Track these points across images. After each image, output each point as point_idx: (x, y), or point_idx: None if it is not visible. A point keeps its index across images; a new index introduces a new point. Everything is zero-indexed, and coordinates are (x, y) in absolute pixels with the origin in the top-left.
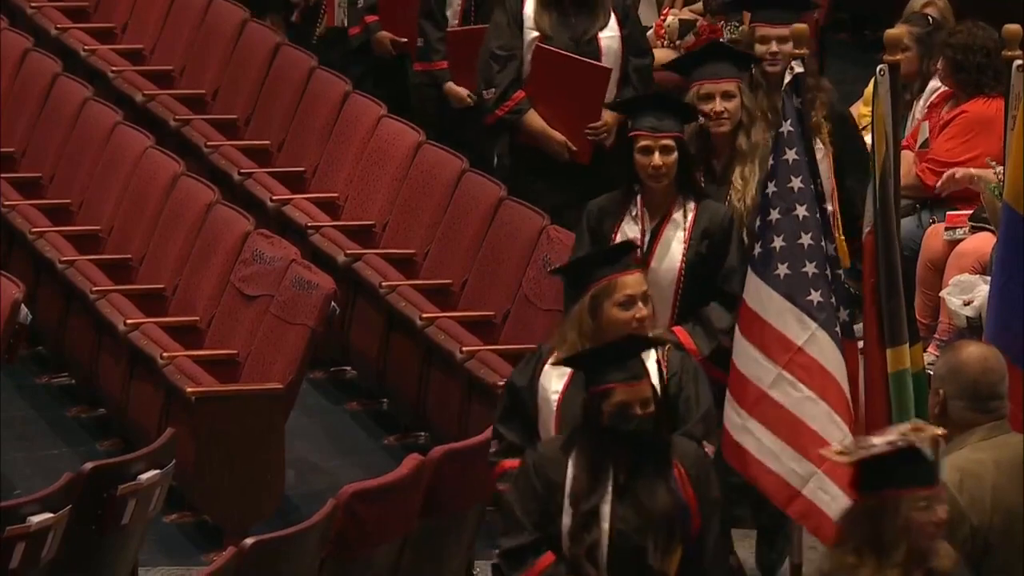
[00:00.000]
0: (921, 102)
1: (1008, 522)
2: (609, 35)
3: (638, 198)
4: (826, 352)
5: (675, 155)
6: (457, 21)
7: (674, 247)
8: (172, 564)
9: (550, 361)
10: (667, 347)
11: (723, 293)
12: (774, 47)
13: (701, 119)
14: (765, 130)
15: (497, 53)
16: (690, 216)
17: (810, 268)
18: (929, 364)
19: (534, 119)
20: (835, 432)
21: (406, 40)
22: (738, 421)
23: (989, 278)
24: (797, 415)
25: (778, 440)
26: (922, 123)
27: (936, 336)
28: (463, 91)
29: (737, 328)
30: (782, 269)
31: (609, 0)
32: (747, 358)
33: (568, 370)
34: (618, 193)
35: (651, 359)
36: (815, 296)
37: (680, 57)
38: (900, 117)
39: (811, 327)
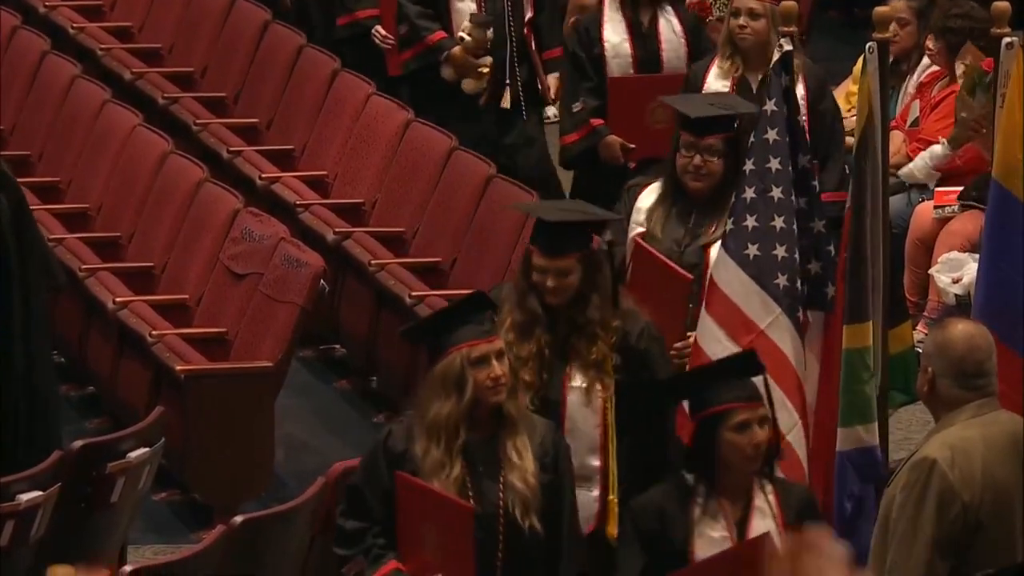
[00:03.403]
0: (914, 77)
1: (998, 499)
2: None
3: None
4: (786, 338)
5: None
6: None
7: None
8: (161, 542)
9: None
10: None
11: None
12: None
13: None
14: None
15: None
16: (772, 499)
17: (780, 251)
18: (919, 342)
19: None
20: (786, 419)
21: (635, 146)
22: None
23: (979, 256)
24: None
25: None
26: (912, 103)
27: (925, 314)
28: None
29: (703, 306)
30: (752, 249)
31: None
32: (709, 336)
33: None
34: (672, 485)
35: None
36: (782, 280)
37: (423, 322)
38: (888, 95)
39: (775, 311)
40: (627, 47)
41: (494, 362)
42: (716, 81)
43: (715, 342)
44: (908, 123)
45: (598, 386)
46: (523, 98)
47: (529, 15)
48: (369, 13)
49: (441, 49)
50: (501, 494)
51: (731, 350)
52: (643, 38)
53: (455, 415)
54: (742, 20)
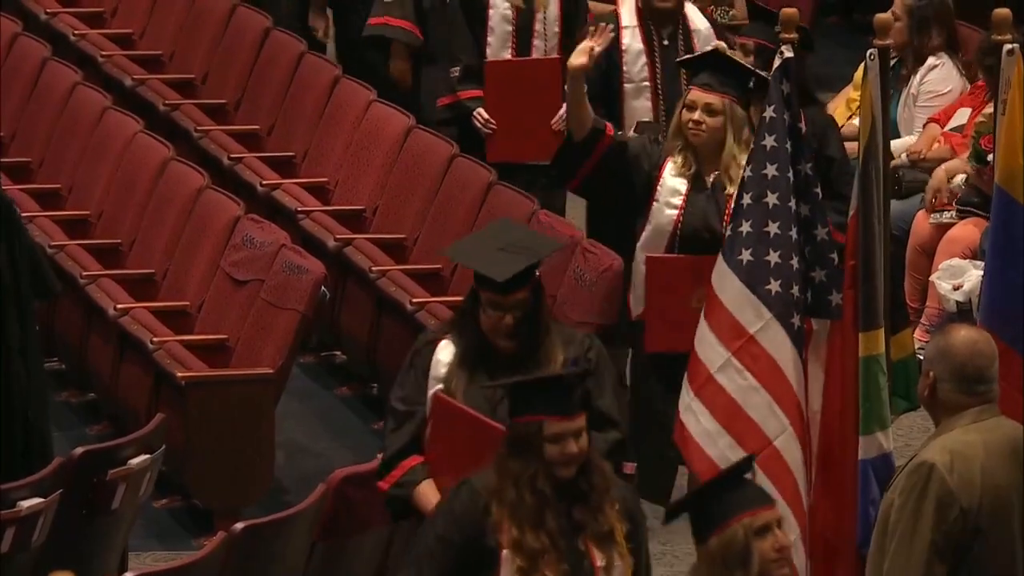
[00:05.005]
0: (917, 78)
1: (997, 504)
2: None
3: None
4: (777, 344)
5: None
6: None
7: None
8: (162, 549)
9: None
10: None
11: None
12: None
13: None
14: None
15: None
16: None
17: (773, 257)
18: (918, 349)
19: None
20: (775, 425)
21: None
22: (686, 400)
23: (979, 263)
24: (739, 403)
25: (717, 424)
26: (959, 109)
27: (924, 321)
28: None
29: (703, 313)
30: (745, 255)
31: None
32: (702, 339)
33: None
34: None
35: None
36: (774, 286)
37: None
38: (889, 101)
39: (765, 316)
40: None
41: (777, 531)
42: (672, 179)
43: (709, 348)
44: (948, 126)
45: (618, 562)
46: None
47: None
48: (471, 94)
49: None
50: None
51: (721, 355)
52: None
53: None
54: (697, 115)
